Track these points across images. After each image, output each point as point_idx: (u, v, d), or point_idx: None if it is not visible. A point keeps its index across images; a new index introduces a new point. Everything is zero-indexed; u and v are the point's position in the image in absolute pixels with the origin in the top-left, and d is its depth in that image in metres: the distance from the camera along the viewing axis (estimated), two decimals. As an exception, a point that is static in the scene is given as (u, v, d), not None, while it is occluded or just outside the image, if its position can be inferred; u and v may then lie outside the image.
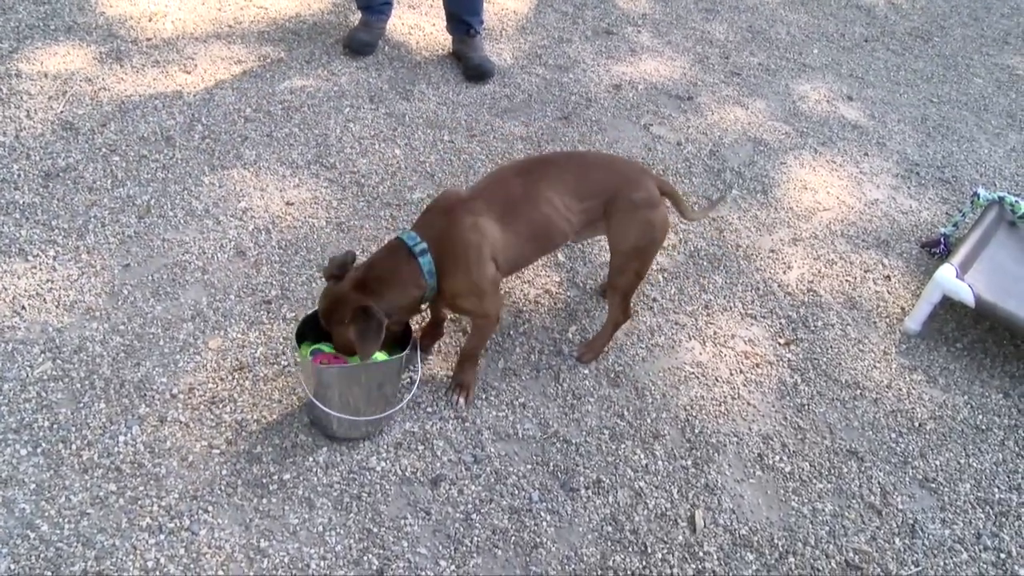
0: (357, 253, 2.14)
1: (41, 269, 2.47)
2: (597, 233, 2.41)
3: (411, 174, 3.09)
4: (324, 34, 3.73)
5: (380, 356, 2.15)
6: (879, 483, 2.37)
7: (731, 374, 2.60)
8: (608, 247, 2.39)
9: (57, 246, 2.54)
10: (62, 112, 3.02)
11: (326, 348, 2.16)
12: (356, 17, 3.76)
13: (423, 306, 2.18)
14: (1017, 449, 2.54)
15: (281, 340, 2.40)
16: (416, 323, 2.50)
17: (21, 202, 2.65)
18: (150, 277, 2.52)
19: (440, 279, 2.09)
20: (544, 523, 2.11)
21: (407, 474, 2.15)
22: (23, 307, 2.35)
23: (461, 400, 2.32)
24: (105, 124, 3.01)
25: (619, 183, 2.29)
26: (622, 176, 2.31)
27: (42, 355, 2.24)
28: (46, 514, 1.92)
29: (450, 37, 3.76)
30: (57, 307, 2.37)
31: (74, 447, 2.06)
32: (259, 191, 2.88)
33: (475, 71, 3.63)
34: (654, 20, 4.43)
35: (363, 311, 1.96)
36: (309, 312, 2.19)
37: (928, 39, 4.91)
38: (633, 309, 2.69)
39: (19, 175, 2.74)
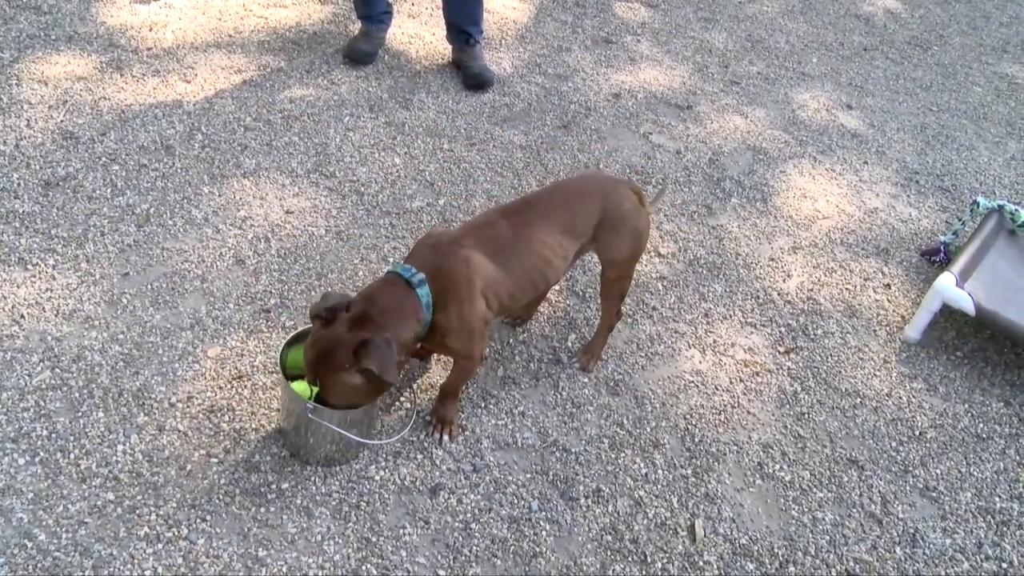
0: (352, 298, 1.97)
1: (40, 278, 2.47)
2: (585, 253, 2.37)
3: (411, 183, 3.09)
4: (324, 44, 3.74)
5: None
6: (880, 492, 2.36)
7: (731, 383, 2.59)
8: (599, 260, 2.38)
9: (56, 255, 2.54)
10: (62, 121, 3.03)
11: None
12: (356, 27, 3.78)
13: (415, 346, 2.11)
14: (1018, 458, 2.54)
15: (278, 350, 2.40)
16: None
17: (21, 211, 2.66)
18: (149, 286, 2.52)
19: (433, 315, 2.00)
20: (543, 532, 2.11)
21: (406, 483, 2.15)
22: (22, 316, 2.35)
23: (445, 436, 2.25)
24: (105, 133, 3.01)
25: (603, 204, 2.27)
26: (604, 195, 2.29)
27: (41, 364, 2.24)
28: (44, 523, 1.92)
29: (450, 46, 3.77)
30: (56, 316, 2.37)
31: (72, 456, 2.05)
32: (259, 200, 2.89)
33: (475, 80, 3.64)
34: (653, 29, 4.45)
35: (366, 342, 1.82)
36: (291, 335, 2.17)
37: (927, 48, 4.92)
38: (632, 317, 2.69)
39: (19, 184, 2.74)
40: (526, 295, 2.21)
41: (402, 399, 2.34)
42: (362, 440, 2.08)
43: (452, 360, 2.24)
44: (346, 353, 1.84)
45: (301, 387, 2.10)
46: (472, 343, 2.10)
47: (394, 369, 1.86)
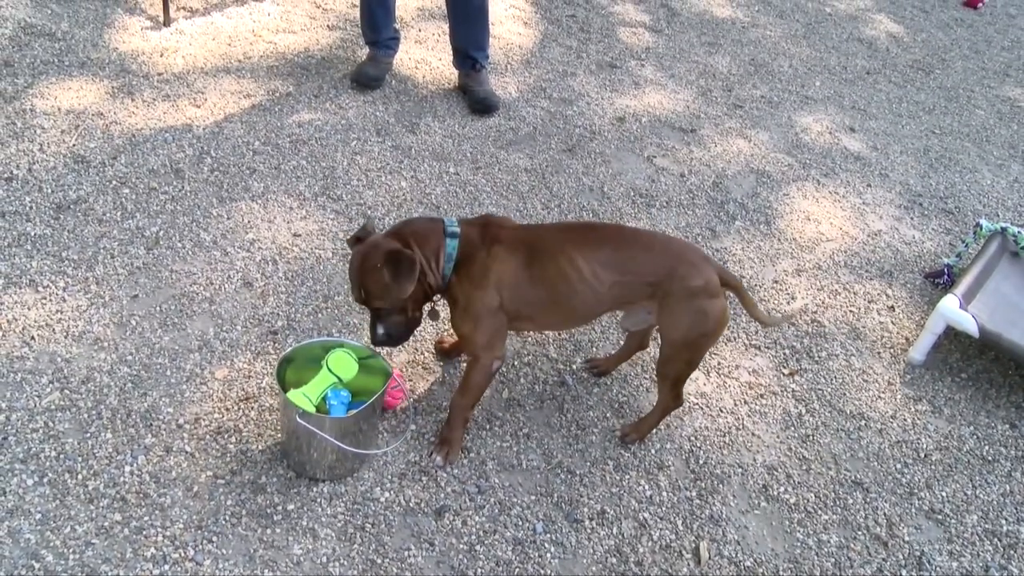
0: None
1: (51, 300, 2.49)
2: (647, 320, 2.28)
3: (417, 206, 3.12)
4: (332, 69, 3.79)
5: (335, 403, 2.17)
6: (885, 514, 2.36)
7: (735, 404, 2.60)
8: (659, 333, 2.27)
9: (67, 277, 2.58)
10: (74, 145, 3.07)
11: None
12: (364, 52, 3.83)
13: (432, 301, 2.22)
14: (1024, 480, 2.53)
15: (277, 365, 2.42)
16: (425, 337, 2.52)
17: (32, 234, 2.69)
18: (158, 308, 2.54)
19: (453, 275, 2.13)
20: (548, 555, 2.11)
21: (411, 505, 2.15)
22: (32, 338, 2.38)
23: (439, 458, 2.24)
24: (116, 157, 3.06)
25: (672, 266, 2.13)
26: (676, 258, 2.15)
27: (50, 385, 2.26)
28: (51, 544, 1.93)
29: (456, 71, 3.82)
30: (66, 337, 2.40)
31: (80, 477, 2.07)
32: (267, 223, 2.92)
33: (480, 104, 3.68)
34: (657, 54, 4.49)
35: (395, 252, 2.01)
36: (288, 350, 2.20)
37: (929, 71, 4.95)
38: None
39: (31, 207, 2.78)
40: (546, 312, 2.18)
41: (407, 410, 2.36)
42: (346, 448, 2.08)
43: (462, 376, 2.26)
44: (378, 255, 2.03)
45: (296, 397, 2.12)
46: (476, 331, 2.14)
47: (406, 285, 2.01)
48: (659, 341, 2.28)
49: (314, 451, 2.09)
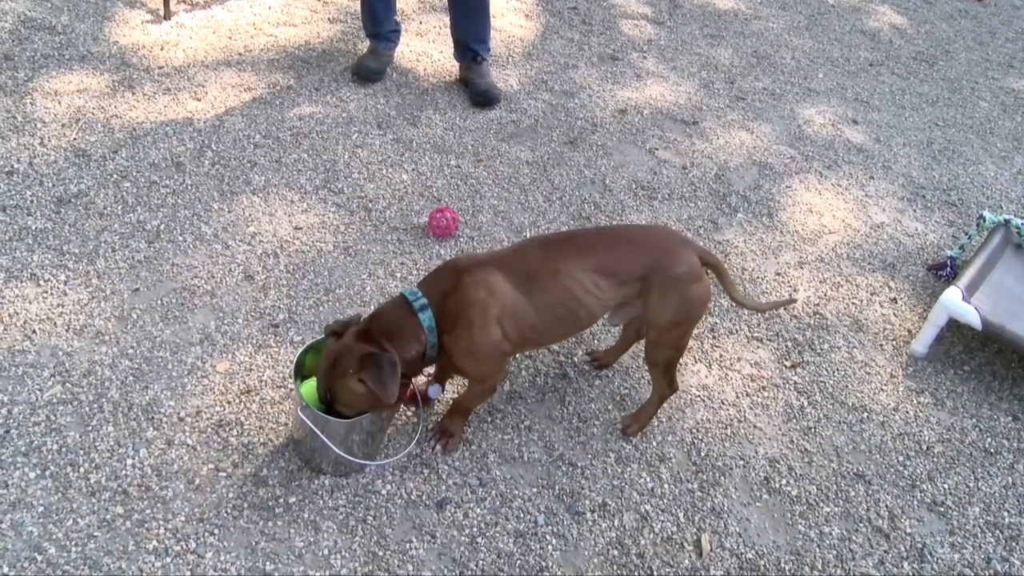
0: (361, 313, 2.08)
1: (52, 294, 2.50)
2: (635, 311, 2.27)
3: (418, 198, 3.12)
4: (333, 61, 3.78)
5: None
6: (887, 507, 2.36)
7: (737, 397, 2.60)
8: (644, 321, 2.27)
9: (68, 271, 2.58)
10: (75, 139, 3.07)
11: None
12: (365, 45, 3.82)
13: (427, 368, 2.13)
14: (1027, 472, 2.53)
15: (288, 363, 2.42)
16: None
17: (33, 228, 2.69)
18: (159, 301, 2.54)
19: (441, 335, 2.02)
20: (550, 547, 2.11)
21: (412, 497, 2.16)
22: (34, 331, 2.38)
23: (439, 446, 2.25)
24: (117, 151, 3.05)
25: (656, 258, 2.15)
26: (659, 250, 2.16)
27: (52, 379, 2.27)
28: (53, 537, 1.93)
29: (457, 64, 3.81)
30: (67, 331, 2.40)
31: (82, 470, 2.07)
32: (268, 216, 2.92)
33: (482, 97, 3.67)
34: (659, 46, 4.48)
35: (371, 355, 1.89)
36: (305, 346, 2.19)
37: (933, 63, 4.93)
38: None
39: (32, 201, 2.78)
40: (552, 331, 2.15)
41: (410, 415, 2.36)
42: (344, 455, 2.07)
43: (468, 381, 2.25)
44: (351, 360, 1.91)
45: (307, 390, 2.12)
46: (483, 368, 2.09)
47: (391, 388, 1.89)
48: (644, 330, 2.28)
49: (322, 446, 2.08)
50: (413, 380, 2.28)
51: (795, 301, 2.82)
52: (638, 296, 2.19)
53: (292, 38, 3.89)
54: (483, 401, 2.28)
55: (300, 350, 2.19)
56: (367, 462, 2.16)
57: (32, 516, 1.96)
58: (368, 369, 1.89)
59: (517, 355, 2.58)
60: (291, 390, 2.34)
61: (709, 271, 2.27)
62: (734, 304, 2.63)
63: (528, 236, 3.01)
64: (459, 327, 2.01)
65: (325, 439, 2.03)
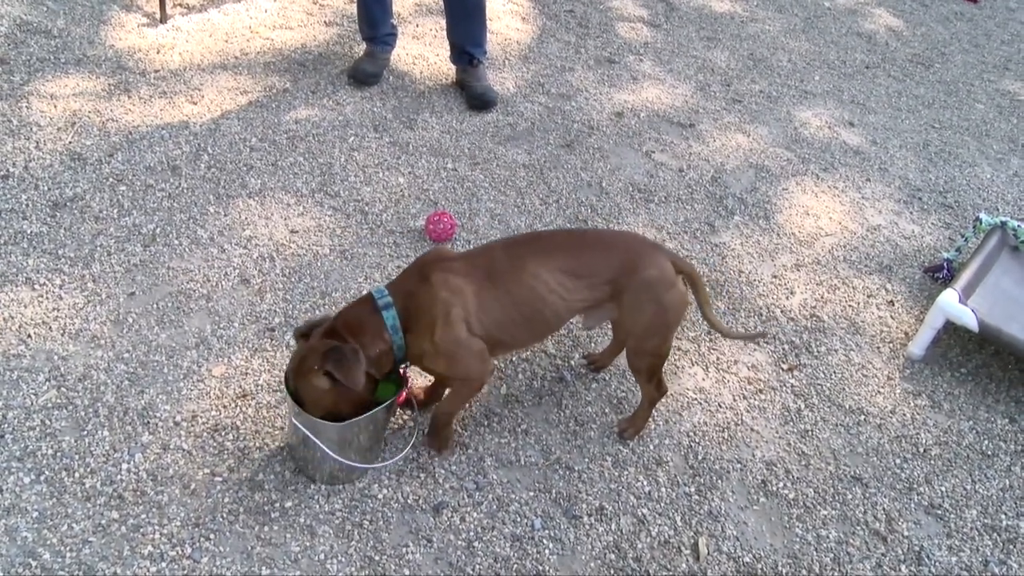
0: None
1: (47, 298, 2.49)
2: (609, 316, 2.26)
3: (414, 202, 3.12)
4: (329, 65, 3.78)
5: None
6: (884, 509, 2.36)
7: (734, 400, 2.59)
8: (621, 328, 2.26)
9: (63, 275, 2.57)
10: (70, 143, 3.06)
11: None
12: (361, 48, 3.82)
13: (402, 366, 2.12)
14: (1024, 475, 2.53)
15: (285, 367, 2.41)
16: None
17: (29, 231, 2.68)
18: (155, 305, 2.54)
19: (406, 335, 2.03)
20: (546, 551, 2.10)
21: (409, 501, 2.15)
22: (29, 335, 2.37)
23: (434, 450, 2.25)
24: (112, 154, 3.05)
25: (624, 261, 2.13)
26: (629, 253, 2.15)
27: (47, 383, 2.26)
28: (48, 542, 1.93)
29: (453, 67, 3.81)
30: (62, 335, 2.39)
31: (77, 475, 2.06)
32: (264, 219, 2.91)
33: (478, 100, 3.67)
34: (656, 49, 4.48)
35: (332, 348, 1.92)
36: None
37: (929, 65, 4.94)
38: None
39: (27, 205, 2.78)
40: (520, 332, 2.14)
41: (405, 419, 2.35)
42: (339, 459, 2.06)
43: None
44: (315, 358, 1.94)
45: None
46: (459, 367, 2.08)
47: (356, 375, 1.92)
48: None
49: (316, 453, 2.07)
50: (410, 384, 2.28)
51: (766, 335, 2.81)
52: (610, 300, 2.17)
53: (288, 41, 3.89)
54: (465, 402, 2.24)
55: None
56: (361, 465, 2.15)
57: (26, 521, 1.96)
58: (331, 361, 1.91)
59: (507, 357, 2.57)
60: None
61: (685, 281, 2.23)
62: (704, 323, 2.55)
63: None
64: (422, 327, 2.02)
65: (319, 442, 2.02)
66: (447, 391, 2.27)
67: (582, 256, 2.14)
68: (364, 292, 2.69)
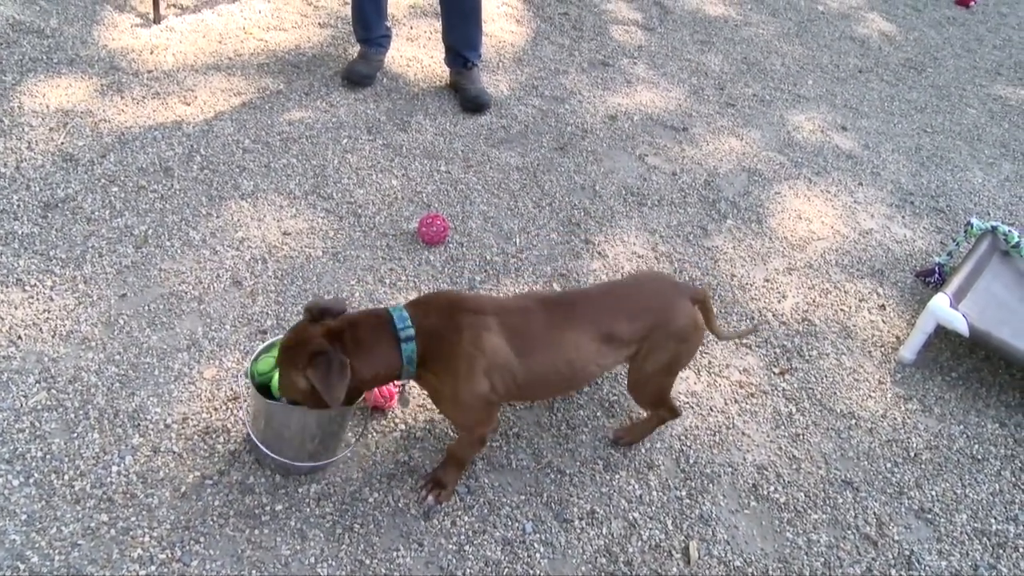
0: (348, 307, 1.97)
1: (38, 299, 2.48)
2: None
3: (408, 204, 3.12)
4: (323, 66, 3.78)
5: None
6: (875, 514, 2.36)
7: (725, 404, 2.60)
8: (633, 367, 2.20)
9: (55, 276, 2.56)
10: (62, 143, 3.05)
11: None
12: (355, 50, 3.81)
13: (400, 383, 2.09)
14: (1014, 479, 2.54)
15: (251, 360, 2.41)
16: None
17: (20, 232, 2.67)
18: (146, 307, 2.53)
19: (421, 368, 1.93)
20: (537, 554, 2.10)
21: (400, 505, 2.15)
22: (19, 337, 2.36)
23: (431, 498, 2.14)
24: (105, 155, 3.04)
25: (657, 316, 2.10)
26: (660, 307, 2.12)
27: (37, 385, 2.25)
28: (36, 545, 1.92)
29: (448, 69, 3.80)
30: (53, 337, 2.38)
31: (66, 477, 2.06)
32: (256, 221, 2.90)
33: (472, 103, 3.67)
34: (650, 52, 4.49)
35: (321, 355, 1.80)
36: (260, 348, 2.17)
37: (921, 70, 4.96)
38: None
39: (18, 206, 2.76)
40: (540, 392, 2.11)
41: (390, 416, 2.35)
42: (273, 456, 2.07)
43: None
44: (303, 356, 1.83)
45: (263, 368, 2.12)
46: (468, 418, 2.02)
47: (335, 392, 1.80)
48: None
49: (288, 433, 2.05)
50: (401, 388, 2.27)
51: (759, 329, 2.84)
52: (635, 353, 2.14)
53: (282, 43, 3.88)
54: (474, 453, 2.16)
55: (254, 354, 2.18)
56: (296, 463, 2.10)
57: (15, 524, 1.95)
58: (315, 368, 1.80)
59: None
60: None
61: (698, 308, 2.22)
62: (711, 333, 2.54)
63: (530, 289, 2.86)
64: (445, 373, 1.92)
65: (251, 432, 2.03)
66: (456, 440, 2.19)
67: (618, 319, 2.07)
68: (356, 294, 2.69)
